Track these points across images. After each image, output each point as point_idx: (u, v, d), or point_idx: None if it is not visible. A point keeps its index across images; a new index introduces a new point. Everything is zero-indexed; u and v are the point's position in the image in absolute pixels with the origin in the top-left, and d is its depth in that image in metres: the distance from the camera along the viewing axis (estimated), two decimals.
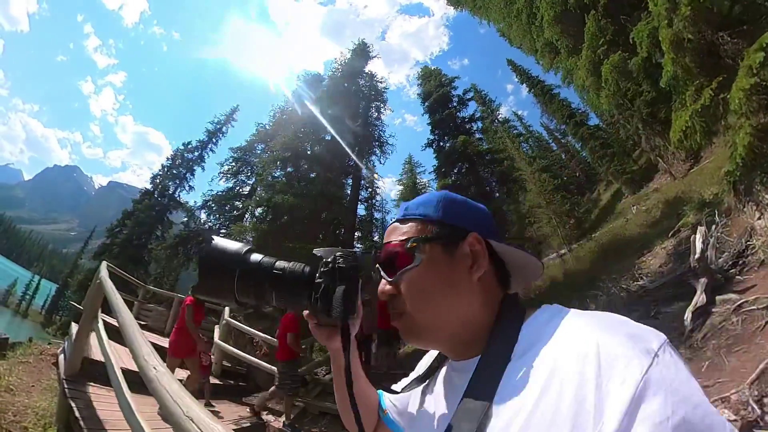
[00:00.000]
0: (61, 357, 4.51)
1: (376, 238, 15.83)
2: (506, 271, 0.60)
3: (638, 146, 20.87)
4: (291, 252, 7.77)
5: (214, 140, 20.16)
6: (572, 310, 0.50)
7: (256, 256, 0.58)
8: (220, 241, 0.58)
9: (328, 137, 10.52)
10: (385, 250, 0.59)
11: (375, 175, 14.62)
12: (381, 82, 13.96)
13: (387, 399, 0.73)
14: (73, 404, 3.26)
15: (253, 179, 16.11)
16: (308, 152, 10.15)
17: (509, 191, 12.86)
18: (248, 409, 5.58)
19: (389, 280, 0.57)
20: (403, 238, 0.57)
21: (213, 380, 6.20)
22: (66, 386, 3.50)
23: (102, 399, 3.45)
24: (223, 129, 20.45)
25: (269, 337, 7.20)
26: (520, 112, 35.04)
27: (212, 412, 4.02)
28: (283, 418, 5.51)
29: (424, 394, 0.63)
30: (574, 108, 22.58)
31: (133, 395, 2.48)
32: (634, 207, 15.45)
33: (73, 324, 5.01)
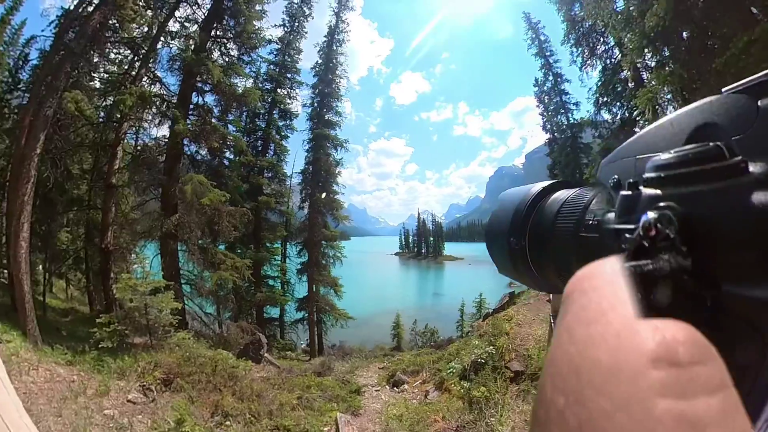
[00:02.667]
0: (552, 296, 5.95)
1: None
2: None
3: None
4: (735, 66, 5.49)
5: (548, 54, 19.28)
6: None
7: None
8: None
9: None
10: None
11: None
12: None
13: None
14: None
15: (611, 38, 13.31)
16: None
17: None
18: None
19: None
20: None
21: None
22: (552, 321, 4.54)
23: None
24: (541, 38, 18.96)
25: None
26: None
27: None
28: None
29: None
30: None
31: None
32: None
33: None
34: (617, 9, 7.92)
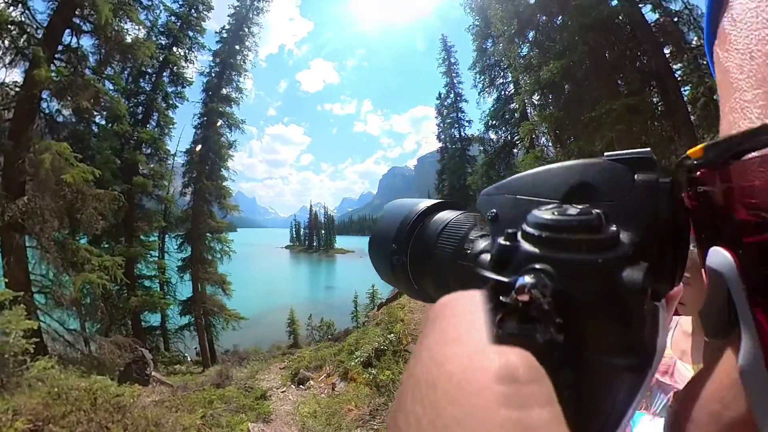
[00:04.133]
0: None
1: (693, 43, 10.40)
2: None
3: None
4: (597, 123, 6.93)
5: (454, 74, 21.62)
6: None
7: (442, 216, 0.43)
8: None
9: None
10: None
11: None
12: None
13: None
14: None
15: (509, 76, 15.62)
16: (536, 3, 8.63)
17: None
18: None
19: None
20: None
21: None
22: None
23: None
24: (451, 60, 21.45)
25: None
26: None
27: None
28: None
29: None
30: None
31: None
32: None
33: None
34: (522, 54, 9.33)
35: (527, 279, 0.21)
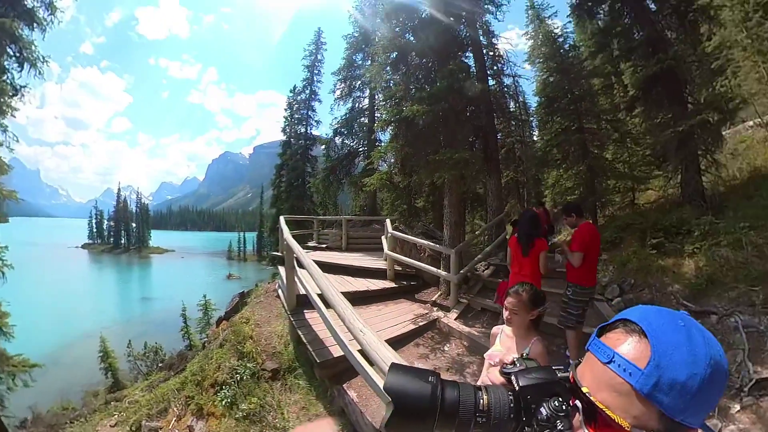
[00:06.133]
0: (280, 292, 6.28)
1: (512, 108, 14.22)
2: None
3: None
4: (437, 164, 7.65)
5: (316, 72, 20.50)
6: None
7: (451, 394, 0.57)
8: (404, 382, 0.56)
9: (425, 15, 9.14)
10: (595, 407, 0.51)
11: (503, 46, 12.28)
12: None
13: None
14: (299, 332, 4.67)
15: (367, 91, 16.17)
16: (412, 41, 9.17)
17: (690, 27, 8.65)
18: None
19: None
20: (629, 422, 0.48)
21: (389, 284, 7.44)
22: (292, 319, 5.08)
23: (316, 320, 4.67)
24: (318, 57, 20.43)
25: (429, 243, 7.95)
26: None
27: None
28: (451, 314, 6.08)
29: None
30: None
31: (329, 310, 3.53)
32: None
33: (279, 267, 6.80)
34: (389, 84, 9.68)
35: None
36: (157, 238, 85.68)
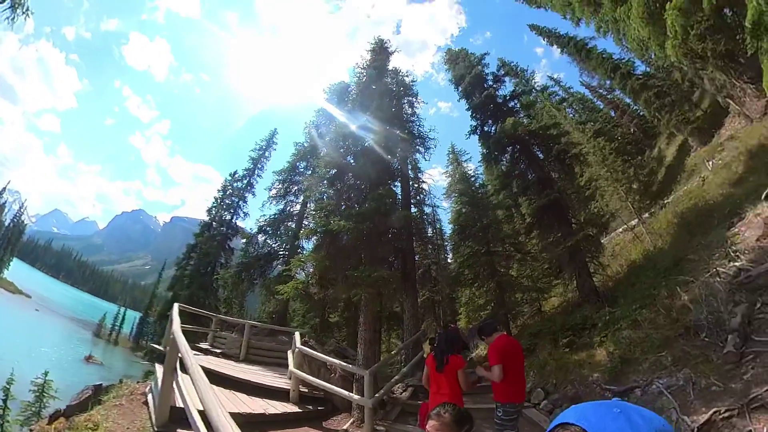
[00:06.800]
0: (150, 398, 5.08)
1: (430, 233, 15.69)
2: None
3: (697, 88, 18.77)
4: (356, 280, 7.70)
5: (259, 166, 20.88)
6: None
7: None
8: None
9: (367, 144, 10.36)
10: None
11: (426, 181, 14.39)
12: (407, 76, 13.53)
13: None
14: None
15: (301, 197, 16.50)
16: (352, 164, 10.07)
17: (568, 168, 11.53)
18: None
19: None
20: None
21: (292, 407, 6.48)
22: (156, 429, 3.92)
23: None
24: (266, 154, 21.12)
25: (341, 362, 7.34)
26: (556, 75, 31.93)
27: None
28: None
29: None
30: (616, 59, 20.57)
31: None
32: (709, 162, 13.77)
33: (157, 365, 5.61)
34: (322, 195, 10.14)
35: None
36: (17, 271, 67.28)
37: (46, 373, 13.89)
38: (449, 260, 17.08)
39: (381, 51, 12.87)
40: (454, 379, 3.68)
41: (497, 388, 3.70)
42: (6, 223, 63.03)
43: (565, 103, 24.91)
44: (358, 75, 12.65)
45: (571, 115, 23.72)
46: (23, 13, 8.91)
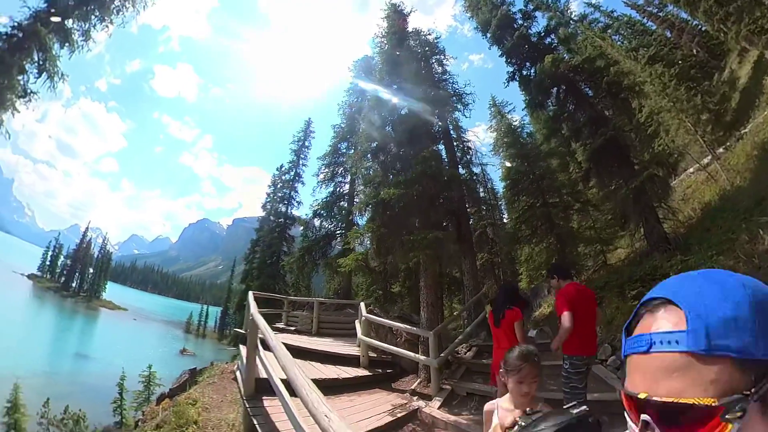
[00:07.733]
0: (238, 374, 5.61)
1: (482, 194, 15.15)
2: None
3: None
4: (412, 244, 7.88)
5: (302, 156, 21.68)
6: None
7: None
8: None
9: (403, 111, 10.34)
10: (667, 407, 0.41)
11: (471, 139, 13.84)
12: (430, 35, 12.98)
13: None
14: (254, 421, 4.06)
15: (348, 176, 17.03)
16: (391, 133, 10.17)
17: (623, 104, 10.31)
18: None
19: None
20: (712, 395, 0.39)
21: (363, 372, 6.77)
22: (247, 405, 4.41)
23: (276, 409, 4.12)
24: (306, 143, 21.89)
25: (406, 326, 7.65)
26: (594, 0, 28.23)
27: None
28: (434, 403, 5.53)
29: None
30: None
31: (293, 398, 3.06)
32: None
33: (241, 346, 6.15)
34: (368, 170, 10.38)
35: None
36: (113, 291, 77.64)
37: (150, 367, 16.76)
38: (505, 219, 16.68)
39: (396, 15, 12.45)
40: (512, 333, 3.64)
41: (568, 342, 3.37)
42: (95, 256, 73.23)
43: (610, 30, 22.51)
44: (379, 45, 12.36)
45: (618, 43, 21.41)
46: (60, 79, 10.07)
